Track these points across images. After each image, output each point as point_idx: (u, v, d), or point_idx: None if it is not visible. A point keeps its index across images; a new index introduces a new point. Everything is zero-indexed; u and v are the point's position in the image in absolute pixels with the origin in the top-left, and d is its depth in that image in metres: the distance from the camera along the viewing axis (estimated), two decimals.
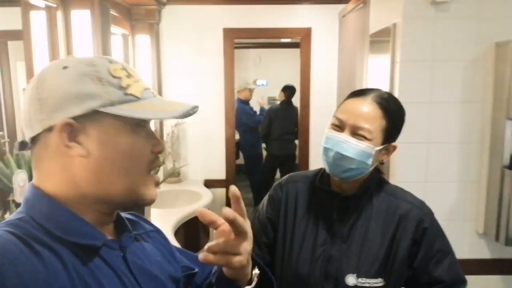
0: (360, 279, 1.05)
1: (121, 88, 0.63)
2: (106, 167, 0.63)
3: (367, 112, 1.02)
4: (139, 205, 0.69)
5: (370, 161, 1.03)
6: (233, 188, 0.66)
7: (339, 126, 1.05)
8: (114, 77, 0.64)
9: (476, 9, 1.77)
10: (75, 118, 0.61)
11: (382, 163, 1.11)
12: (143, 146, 0.66)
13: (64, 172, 0.63)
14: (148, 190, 0.68)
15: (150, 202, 0.69)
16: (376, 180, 1.13)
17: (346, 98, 1.09)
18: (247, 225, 0.67)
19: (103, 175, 0.63)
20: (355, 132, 1.02)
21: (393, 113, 1.05)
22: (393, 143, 1.09)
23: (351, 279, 1.05)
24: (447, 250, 1.09)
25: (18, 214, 0.63)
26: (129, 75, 0.66)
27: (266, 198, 1.24)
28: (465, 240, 1.91)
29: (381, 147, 1.05)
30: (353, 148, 1.02)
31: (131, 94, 0.64)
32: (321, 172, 1.16)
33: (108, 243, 0.66)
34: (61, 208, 0.63)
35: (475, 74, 1.81)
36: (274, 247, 1.18)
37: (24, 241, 0.56)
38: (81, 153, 0.62)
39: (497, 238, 1.78)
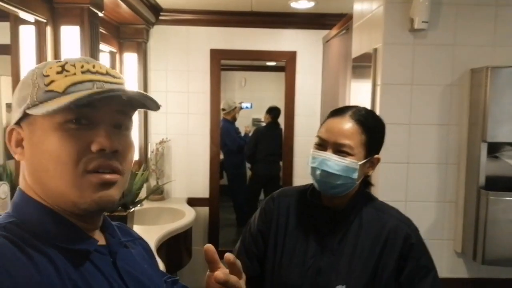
0: None
1: (44, 85, 0.61)
2: (37, 169, 0.62)
3: (347, 129, 1.08)
4: (79, 211, 0.62)
5: (355, 176, 1.08)
6: (229, 256, 0.70)
7: (322, 145, 1.10)
8: (44, 75, 0.62)
9: (452, 37, 1.86)
10: (18, 123, 0.63)
11: (367, 176, 1.16)
12: (72, 145, 0.60)
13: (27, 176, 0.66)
14: (82, 192, 0.61)
15: (87, 208, 0.62)
16: (364, 195, 1.17)
17: (327, 118, 1.15)
18: (243, 281, 0.74)
19: (37, 178, 0.63)
20: (338, 149, 1.08)
21: (371, 127, 1.11)
22: (376, 156, 1.14)
23: None
24: (431, 266, 1.12)
25: (9, 218, 0.62)
26: (63, 71, 0.62)
27: (258, 211, 1.26)
28: (444, 259, 1.94)
29: (365, 160, 1.10)
30: (337, 164, 1.06)
31: (51, 90, 0.60)
32: (312, 187, 1.19)
33: (98, 248, 0.66)
34: (48, 213, 0.63)
35: (452, 98, 1.88)
36: (264, 259, 1.20)
37: (17, 245, 0.56)
38: (20, 158, 0.64)
39: (474, 257, 1.82)
